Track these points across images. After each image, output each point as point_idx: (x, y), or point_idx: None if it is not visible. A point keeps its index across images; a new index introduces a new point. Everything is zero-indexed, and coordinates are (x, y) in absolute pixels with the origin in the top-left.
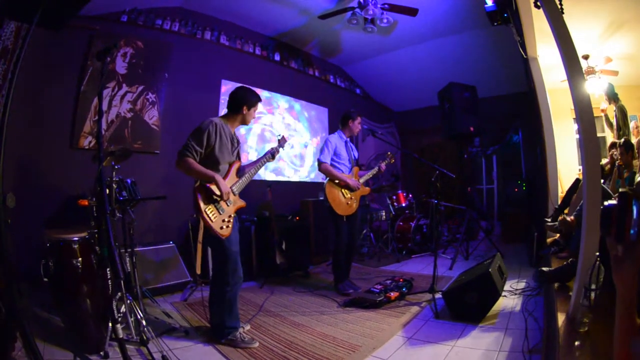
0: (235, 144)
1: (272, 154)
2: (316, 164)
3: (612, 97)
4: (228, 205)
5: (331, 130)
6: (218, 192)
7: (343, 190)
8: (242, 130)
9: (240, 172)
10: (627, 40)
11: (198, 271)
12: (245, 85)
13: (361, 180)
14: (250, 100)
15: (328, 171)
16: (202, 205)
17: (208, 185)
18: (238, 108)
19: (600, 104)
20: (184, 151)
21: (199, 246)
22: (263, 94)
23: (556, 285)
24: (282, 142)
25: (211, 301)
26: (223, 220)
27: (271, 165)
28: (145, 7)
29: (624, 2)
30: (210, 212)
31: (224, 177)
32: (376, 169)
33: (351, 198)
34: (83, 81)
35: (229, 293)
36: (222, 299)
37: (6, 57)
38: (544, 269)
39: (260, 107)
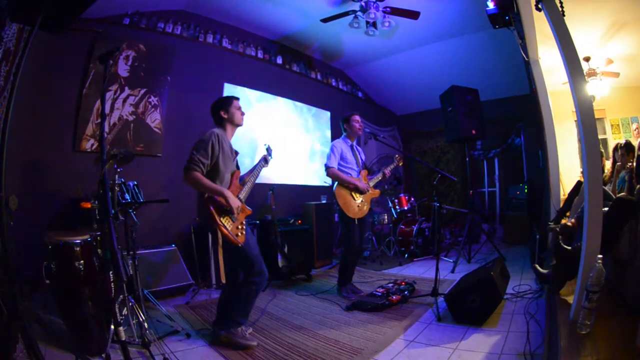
0: (234, 153)
1: (265, 160)
2: (324, 169)
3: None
4: (238, 213)
5: (333, 134)
6: (227, 207)
7: (353, 193)
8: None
9: (242, 181)
10: (628, 42)
11: (223, 279)
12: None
13: (370, 184)
14: (223, 103)
15: (336, 175)
16: (217, 216)
17: (217, 198)
18: (218, 116)
19: (601, 106)
20: (191, 165)
21: (220, 251)
22: (265, 96)
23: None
24: (269, 150)
25: (226, 301)
26: (237, 228)
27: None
28: (147, 10)
29: (624, 3)
30: (225, 221)
31: (229, 187)
32: (380, 175)
33: (362, 201)
34: (85, 84)
35: (254, 291)
36: (245, 295)
37: (8, 59)
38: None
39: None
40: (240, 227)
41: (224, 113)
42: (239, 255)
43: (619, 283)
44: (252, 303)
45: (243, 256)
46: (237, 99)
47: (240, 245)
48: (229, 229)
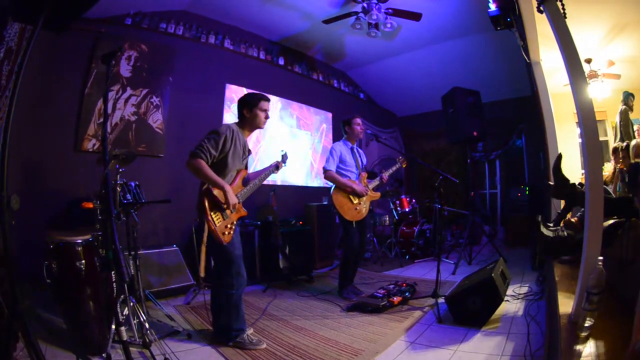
0: (247, 152)
1: (276, 167)
2: (322, 172)
3: (623, 100)
4: (231, 212)
5: (335, 135)
6: (222, 200)
7: (351, 196)
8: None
9: (246, 181)
10: (629, 44)
11: (202, 274)
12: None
13: (370, 186)
14: (248, 102)
15: (334, 178)
16: (208, 209)
17: (214, 192)
18: (240, 113)
19: (602, 108)
20: (198, 152)
21: (203, 248)
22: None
23: (558, 291)
24: (284, 157)
25: (216, 305)
26: (226, 227)
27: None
28: (149, 10)
29: (626, 5)
30: (215, 217)
31: (231, 184)
32: (378, 180)
33: (359, 203)
34: (87, 84)
35: (235, 296)
36: (228, 303)
37: (10, 58)
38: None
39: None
40: (229, 226)
41: (246, 112)
42: (220, 253)
43: (619, 284)
44: (241, 308)
45: (224, 255)
46: (267, 100)
47: (224, 244)
48: (217, 225)
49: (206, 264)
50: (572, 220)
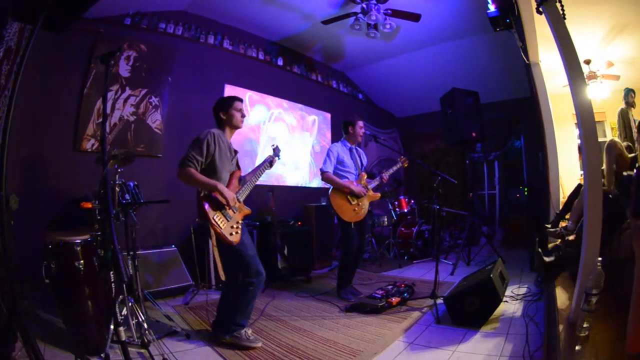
0: (233, 153)
1: (269, 162)
2: (319, 173)
3: (623, 97)
4: (234, 212)
5: (334, 136)
6: (223, 200)
7: (349, 197)
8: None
9: (242, 181)
10: (628, 44)
11: (222, 277)
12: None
13: (370, 187)
14: (223, 104)
15: (331, 180)
16: (209, 213)
17: (213, 194)
18: (217, 117)
19: (601, 109)
20: (185, 162)
21: (216, 250)
22: (265, 98)
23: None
24: (276, 151)
25: (224, 302)
26: (232, 227)
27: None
28: (148, 10)
29: (625, 5)
30: (219, 220)
31: (227, 186)
32: (378, 180)
33: (358, 204)
34: (86, 84)
35: (252, 292)
36: (243, 297)
37: (9, 58)
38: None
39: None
40: (235, 226)
41: (223, 114)
42: (234, 256)
43: (618, 284)
44: (252, 304)
45: (238, 256)
46: (240, 100)
47: (234, 244)
48: (223, 227)
49: (207, 266)
50: (570, 238)
